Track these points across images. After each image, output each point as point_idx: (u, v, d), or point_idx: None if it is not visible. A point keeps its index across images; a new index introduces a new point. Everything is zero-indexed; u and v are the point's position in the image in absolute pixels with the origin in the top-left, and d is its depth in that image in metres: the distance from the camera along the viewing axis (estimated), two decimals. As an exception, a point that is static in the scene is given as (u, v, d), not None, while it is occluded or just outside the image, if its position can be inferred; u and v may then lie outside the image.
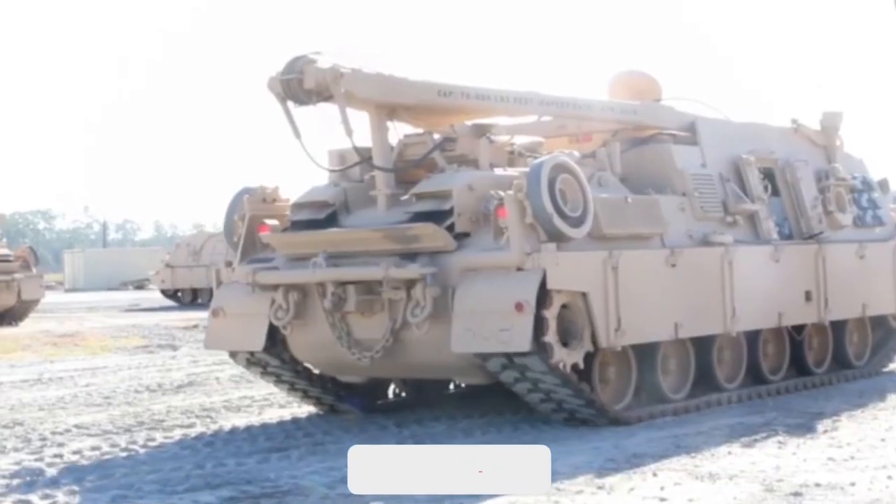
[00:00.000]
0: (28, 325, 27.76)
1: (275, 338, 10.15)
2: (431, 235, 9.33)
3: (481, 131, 10.84)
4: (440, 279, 9.25)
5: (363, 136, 10.05)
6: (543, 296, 8.96)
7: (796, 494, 6.88)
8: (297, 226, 10.15)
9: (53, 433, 10.14)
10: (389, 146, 10.14)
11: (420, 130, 10.46)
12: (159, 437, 9.81)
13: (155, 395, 12.74)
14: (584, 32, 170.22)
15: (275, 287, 9.92)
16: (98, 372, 15.55)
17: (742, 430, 9.24)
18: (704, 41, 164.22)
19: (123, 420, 10.80)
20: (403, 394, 11.40)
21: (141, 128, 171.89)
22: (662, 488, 7.14)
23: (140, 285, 55.74)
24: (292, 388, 10.74)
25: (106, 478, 8.03)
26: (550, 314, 8.97)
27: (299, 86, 9.43)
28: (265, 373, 10.57)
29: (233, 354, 10.64)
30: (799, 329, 11.85)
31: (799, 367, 12.00)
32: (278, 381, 10.67)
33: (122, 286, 57.78)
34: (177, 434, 9.96)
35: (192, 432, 10.04)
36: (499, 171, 9.99)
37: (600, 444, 8.71)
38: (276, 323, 9.94)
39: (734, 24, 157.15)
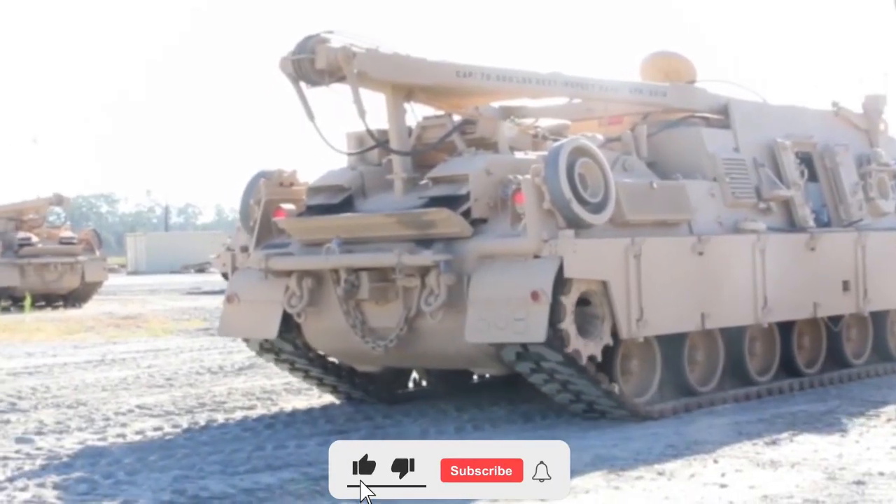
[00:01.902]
0: (91, 307, 27.81)
1: (290, 325, 9.75)
2: (446, 221, 8.87)
3: (507, 113, 10.39)
4: (455, 266, 8.80)
5: (382, 118, 9.62)
6: (561, 284, 8.47)
7: (859, 483, 6.68)
8: (313, 210, 9.74)
9: (116, 413, 10.11)
10: (407, 128, 9.68)
11: (440, 112, 9.98)
12: (220, 418, 9.75)
13: (216, 377, 12.61)
14: (617, 13, 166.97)
15: (288, 273, 9.53)
16: (160, 354, 15.51)
17: (804, 418, 9.00)
18: (745, 23, 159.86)
19: (185, 401, 10.73)
20: (424, 383, 10.96)
21: (205, 111, 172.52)
22: (723, 475, 6.97)
23: (201, 268, 55.74)
24: (307, 375, 10.34)
25: (168, 458, 7.99)
26: (567, 303, 8.49)
27: (311, 66, 9.00)
28: (278, 360, 10.18)
29: (247, 341, 10.26)
30: (836, 320, 11.21)
31: (836, 359, 11.37)
32: (292, 368, 10.27)
33: (184, 269, 57.83)
34: (238, 416, 9.87)
35: (253, 414, 9.94)
36: (519, 155, 9.48)
37: (660, 430, 8.53)
38: (289, 310, 9.53)
39: (778, 5, 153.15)
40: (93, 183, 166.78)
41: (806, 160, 11.19)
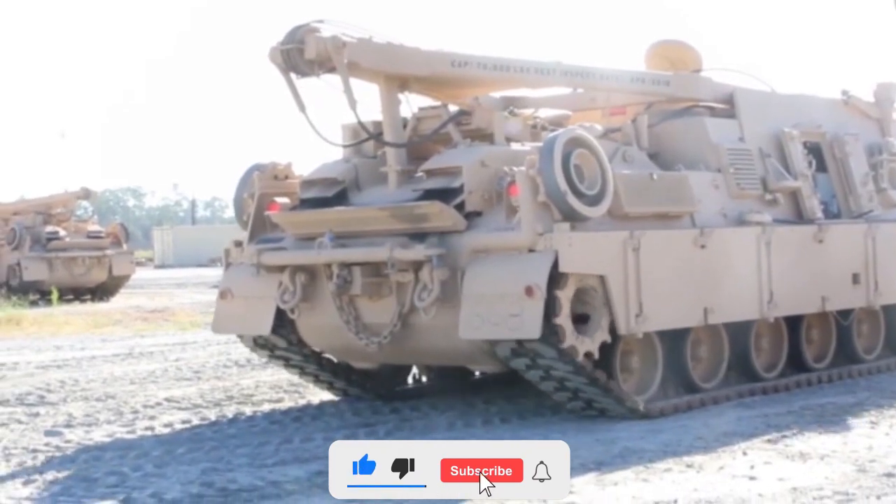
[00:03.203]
0: (119, 301, 27.64)
1: (284, 321, 9.36)
2: (439, 214, 8.46)
3: (508, 104, 9.97)
4: (449, 261, 8.40)
5: (379, 109, 9.19)
6: (557, 279, 8.04)
7: (889, 475, 6.52)
8: (307, 204, 9.35)
9: (145, 406, 10.00)
10: (401, 120, 9.25)
11: (437, 103, 9.54)
12: (248, 411, 9.63)
13: (244, 370, 12.41)
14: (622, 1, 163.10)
15: (281, 268, 9.14)
16: (187, 347, 15.36)
17: (833, 410, 8.83)
18: (752, 10, 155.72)
19: (213, 394, 10.60)
20: (424, 379, 10.54)
21: (231, 103, 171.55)
22: (752, 467, 6.82)
23: (228, 262, 55.25)
24: (303, 372, 9.99)
25: (196, 450, 7.93)
26: (563, 298, 8.07)
27: (300, 56, 8.61)
28: (273, 357, 9.83)
29: (241, 337, 9.89)
30: (846, 314, 10.69)
31: (847, 354, 10.86)
32: (288, 365, 9.91)
33: (211, 263, 57.17)
34: (265, 409, 9.75)
35: (281, 407, 9.80)
36: (516, 146, 9.03)
37: (688, 423, 8.38)
38: (282, 306, 9.16)
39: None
40: (119, 177, 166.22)
41: (814, 150, 10.70)
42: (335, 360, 9.83)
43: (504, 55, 9.45)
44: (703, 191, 9.40)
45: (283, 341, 9.50)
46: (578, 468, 6.81)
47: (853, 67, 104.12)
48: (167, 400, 10.28)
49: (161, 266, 58.47)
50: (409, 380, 10.60)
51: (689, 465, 6.89)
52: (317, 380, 10.03)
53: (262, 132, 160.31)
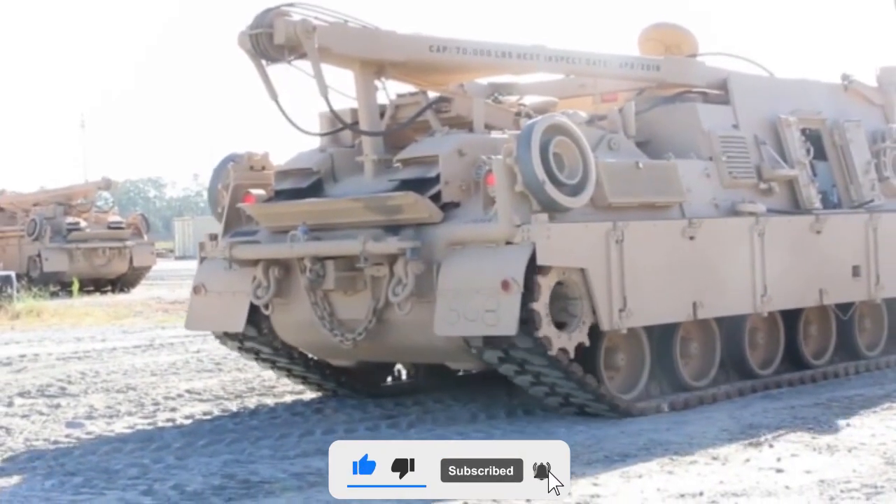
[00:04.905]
0: (139, 292, 27.38)
1: (258, 317, 8.85)
2: (413, 206, 7.92)
3: (494, 90, 9.40)
4: (424, 254, 7.88)
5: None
6: (535, 272, 7.51)
7: None
8: (281, 195, 8.82)
9: (166, 398, 9.81)
10: (378, 107, 8.69)
11: (416, 90, 8.97)
12: (270, 403, 9.45)
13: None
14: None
15: (255, 263, 8.61)
16: (208, 338, 14.91)
17: (861, 402, 8.57)
18: None
19: (234, 386, 10.39)
20: (404, 377, 10.00)
21: (254, 93, 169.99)
22: (779, 459, 6.63)
23: (250, 253, 54.62)
24: (275, 366, 9.47)
25: (217, 442, 7.77)
26: (541, 293, 7.53)
27: (269, 41, 8.06)
28: (243, 350, 9.36)
29: (215, 334, 9.38)
30: (845, 308, 10.03)
31: (848, 350, 10.23)
32: (258, 358, 9.39)
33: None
34: (287, 400, 9.56)
35: (303, 398, 9.59)
36: (496, 135, 8.45)
37: (714, 414, 8.19)
38: (255, 302, 8.66)
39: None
40: (140, 167, 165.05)
41: (813, 137, 10.05)
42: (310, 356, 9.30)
43: (486, 39, 8.87)
44: (694, 180, 8.82)
45: (258, 338, 9.00)
46: (603, 460, 6.65)
47: (855, 51, 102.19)
48: (188, 391, 10.08)
49: (182, 257, 57.55)
50: (396, 376, 10.05)
51: (714, 458, 6.68)
52: (290, 374, 9.50)
53: (282, 122, 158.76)
